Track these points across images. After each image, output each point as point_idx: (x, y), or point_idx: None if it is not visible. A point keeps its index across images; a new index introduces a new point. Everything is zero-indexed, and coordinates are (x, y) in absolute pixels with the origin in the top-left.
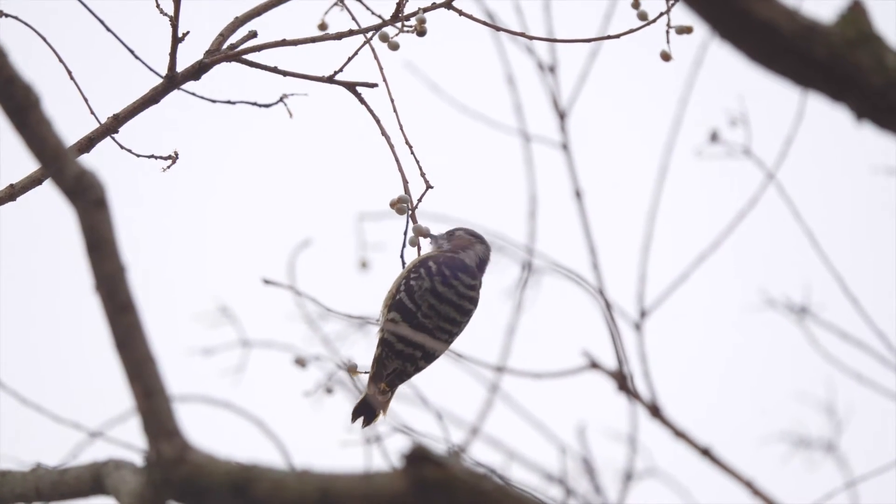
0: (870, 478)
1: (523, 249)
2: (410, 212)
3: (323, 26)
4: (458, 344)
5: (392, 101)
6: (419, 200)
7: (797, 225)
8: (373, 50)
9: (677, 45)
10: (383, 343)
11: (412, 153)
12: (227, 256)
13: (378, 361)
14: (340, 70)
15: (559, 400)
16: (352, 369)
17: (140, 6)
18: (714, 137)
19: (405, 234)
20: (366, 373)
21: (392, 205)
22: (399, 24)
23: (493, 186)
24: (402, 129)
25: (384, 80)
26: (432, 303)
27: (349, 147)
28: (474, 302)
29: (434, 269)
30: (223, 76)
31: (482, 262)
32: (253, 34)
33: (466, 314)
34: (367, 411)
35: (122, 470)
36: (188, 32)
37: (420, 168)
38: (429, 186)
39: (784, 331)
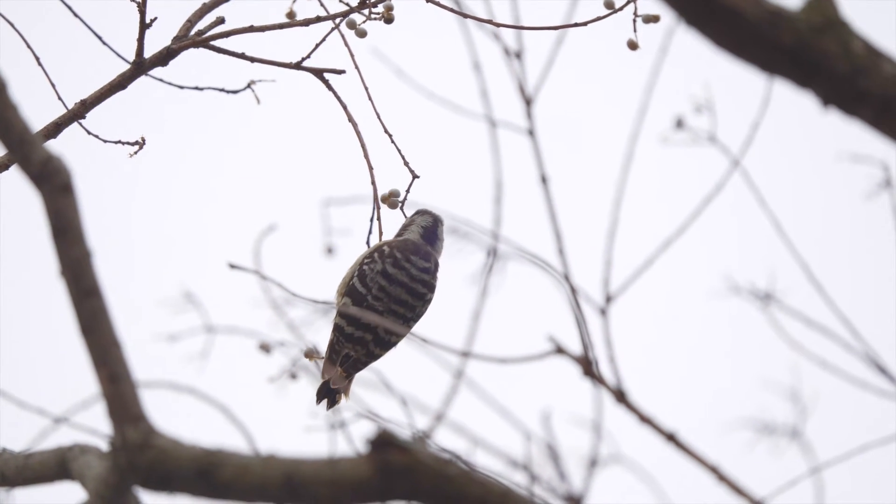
0: (834, 464)
1: (489, 235)
2: (401, 205)
3: (291, 15)
4: (423, 329)
5: (366, 88)
6: (407, 191)
7: (762, 211)
8: (342, 36)
9: (644, 32)
10: (336, 328)
11: (392, 142)
12: (192, 242)
13: (331, 346)
14: (308, 56)
15: (524, 385)
16: (310, 354)
17: None
18: (679, 124)
19: (371, 220)
20: (322, 357)
21: (383, 199)
22: (367, 12)
23: (459, 172)
24: (378, 116)
25: (356, 67)
26: (382, 284)
27: (316, 133)
28: (429, 286)
29: (386, 252)
30: (191, 62)
31: (427, 232)
32: (220, 20)
33: (420, 298)
34: (329, 394)
35: (88, 455)
36: (156, 18)
37: (403, 158)
38: (415, 176)
39: (749, 317)
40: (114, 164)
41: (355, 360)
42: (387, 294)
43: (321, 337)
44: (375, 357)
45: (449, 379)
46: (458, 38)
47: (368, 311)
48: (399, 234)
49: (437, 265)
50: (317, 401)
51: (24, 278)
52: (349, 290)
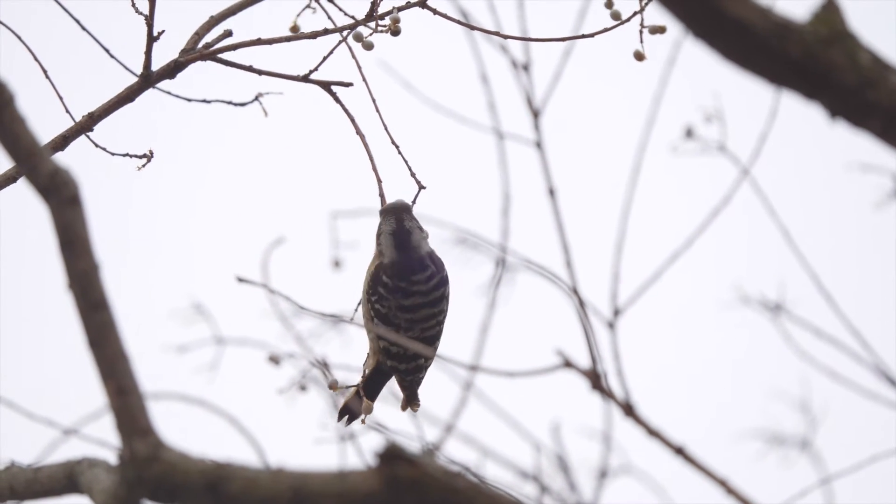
0: (845, 475)
1: (497, 247)
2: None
3: (294, 28)
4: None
5: (374, 101)
6: (413, 202)
7: (772, 221)
8: (350, 49)
9: (652, 43)
10: (391, 369)
11: (399, 154)
12: (201, 254)
13: (374, 379)
14: (315, 69)
15: (533, 398)
16: (334, 386)
17: (115, 5)
18: (689, 134)
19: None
20: (351, 386)
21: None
22: (373, 24)
23: (466, 184)
24: (386, 128)
25: (363, 79)
26: (407, 318)
27: (324, 146)
28: (442, 283)
29: (391, 286)
30: (198, 75)
31: (397, 238)
32: (228, 33)
33: (441, 300)
34: (351, 412)
35: (96, 468)
36: (163, 31)
37: (410, 169)
38: (421, 187)
39: (759, 328)
40: (122, 176)
41: (412, 381)
42: (414, 322)
43: (330, 349)
44: (427, 367)
45: (458, 391)
46: (465, 49)
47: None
48: (378, 247)
49: (431, 256)
50: (338, 418)
51: (31, 290)
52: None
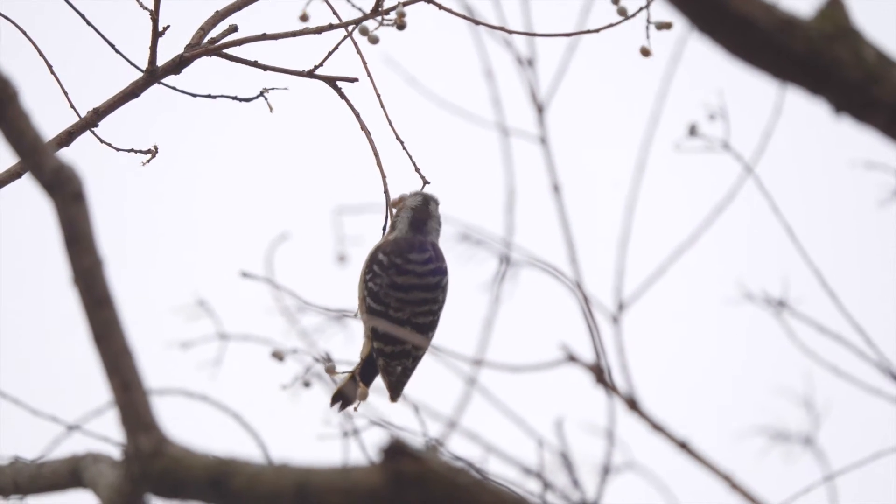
0: (848, 471)
1: (501, 243)
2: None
3: (304, 17)
4: (436, 336)
5: (379, 96)
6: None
7: (775, 218)
8: (355, 45)
9: (657, 39)
10: (377, 351)
11: (404, 149)
12: (205, 250)
13: (368, 363)
14: (321, 65)
15: (537, 393)
16: (330, 370)
17: (121, 0)
18: (693, 131)
19: (383, 229)
20: (346, 372)
21: (394, 204)
22: (379, 18)
23: (471, 180)
24: (391, 124)
25: (368, 75)
26: (398, 296)
27: (329, 141)
28: (440, 271)
29: (386, 262)
30: (204, 70)
31: (414, 222)
32: (233, 28)
33: (437, 287)
34: (345, 398)
35: (100, 463)
36: (168, 26)
37: (414, 164)
38: (425, 182)
39: (762, 324)
40: (126, 172)
41: (404, 369)
42: (406, 302)
43: (334, 344)
44: (421, 356)
45: (461, 386)
46: (469, 45)
47: (395, 325)
48: (391, 229)
49: (435, 247)
50: (331, 403)
51: (36, 286)
52: (369, 311)
